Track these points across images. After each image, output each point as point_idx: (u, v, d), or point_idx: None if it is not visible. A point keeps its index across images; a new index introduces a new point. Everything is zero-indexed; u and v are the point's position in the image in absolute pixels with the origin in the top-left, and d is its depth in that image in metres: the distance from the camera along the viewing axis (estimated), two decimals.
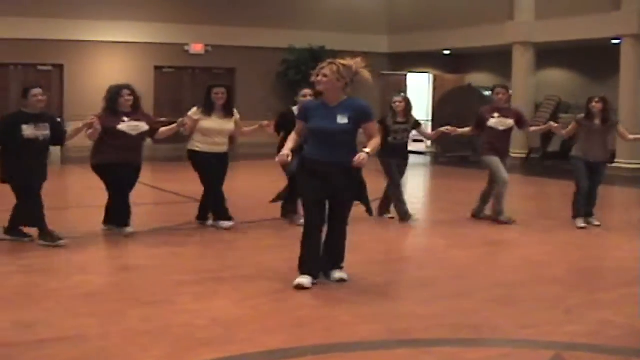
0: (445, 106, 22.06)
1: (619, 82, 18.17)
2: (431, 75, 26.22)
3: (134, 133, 8.59)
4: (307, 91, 9.19)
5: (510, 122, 10.11)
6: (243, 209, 9.47)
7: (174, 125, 8.99)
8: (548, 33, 19.69)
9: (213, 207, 9.37)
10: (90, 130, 8.29)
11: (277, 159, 6.62)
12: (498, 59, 23.12)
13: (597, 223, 10.04)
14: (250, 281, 6.79)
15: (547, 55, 21.29)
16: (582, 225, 9.89)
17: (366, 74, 6.50)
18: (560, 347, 5.11)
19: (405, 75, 25.77)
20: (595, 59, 21.13)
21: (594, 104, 9.94)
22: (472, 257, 8.24)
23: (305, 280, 6.46)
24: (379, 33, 25.10)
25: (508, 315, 5.92)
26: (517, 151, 19.72)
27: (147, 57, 22.24)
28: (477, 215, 10.40)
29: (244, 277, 6.99)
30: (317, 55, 23.08)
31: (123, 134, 8.51)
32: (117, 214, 8.74)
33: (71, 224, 9.32)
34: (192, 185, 9.83)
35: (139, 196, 9.71)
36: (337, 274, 6.68)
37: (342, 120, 6.42)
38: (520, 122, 10.27)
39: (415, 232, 9.89)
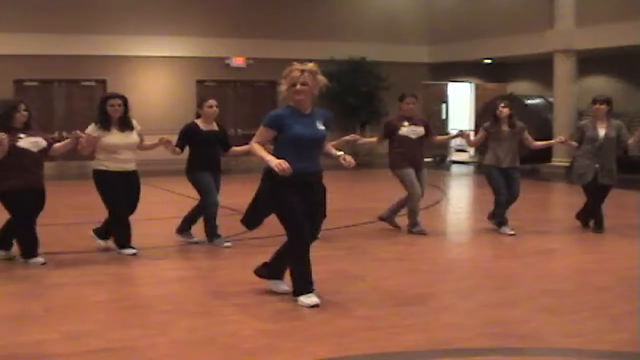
0: (488, 115, 21.90)
1: None
2: (472, 85, 26.16)
3: (35, 149, 7.84)
4: (212, 102, 8.97)
5: (421, 130, 9.86)
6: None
7: (68, 141, 8.15)
8: (589, 40, 19.52)
9: (118, 232, 8.55)
10: None
11: (277, 169, 5.97)
12: (539, 67, 23.01)
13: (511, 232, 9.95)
14: None
15: (590, 62, 21.11)
16: (511, 232, 9.88)
17: (323, 79, 6.42)
18: (605, 356, 5.09)
19: (446, 84, 25.75)
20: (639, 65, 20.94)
21: (500, 109, 9.92)
22: (517, 266, 8.20)
23: (316, 298, 6.31)
24: (420, 43, 25.10)
25: (553, 324, 5.89)
26: (559, 159, 19.59)
27: (189, 71, 22.48)
28: (385, 219, 10.21)
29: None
30: (357, 67, 23.13)
31: (24, 151, 7.74)
32: (26, 244, 8.03)
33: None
34: (235, 197, 9.87)
35: (178, 209, 9.77)
36: (285, 286, 6.68)
37: (321, 127, 6.36)
38: (427, 131, 9.94)
39: (460, 242, 9.85)
